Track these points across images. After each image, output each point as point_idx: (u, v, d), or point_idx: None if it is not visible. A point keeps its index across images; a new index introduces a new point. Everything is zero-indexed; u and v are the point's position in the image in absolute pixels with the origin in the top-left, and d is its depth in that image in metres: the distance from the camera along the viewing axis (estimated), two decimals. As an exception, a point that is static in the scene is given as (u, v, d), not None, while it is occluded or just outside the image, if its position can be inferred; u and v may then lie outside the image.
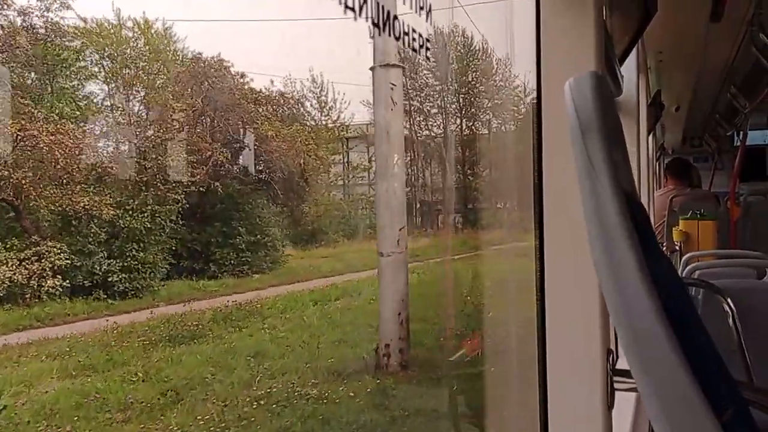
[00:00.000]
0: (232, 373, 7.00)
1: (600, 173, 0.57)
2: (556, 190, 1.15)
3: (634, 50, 2.66)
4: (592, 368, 1.13)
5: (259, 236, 11.15)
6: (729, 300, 2.39)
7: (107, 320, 8.28)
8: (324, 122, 13.98)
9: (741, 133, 5.75)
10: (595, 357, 1.13)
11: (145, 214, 9.51)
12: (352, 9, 0.62)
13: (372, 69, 5.36)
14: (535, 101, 1.20)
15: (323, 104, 14.04)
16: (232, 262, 10.76)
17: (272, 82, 12.28)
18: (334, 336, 8.11)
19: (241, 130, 11.33)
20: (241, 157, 11.56)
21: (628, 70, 2.79)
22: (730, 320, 2.35)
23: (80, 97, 10.16)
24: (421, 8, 0.77)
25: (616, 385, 1.17)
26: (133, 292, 9.17)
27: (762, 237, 4.59)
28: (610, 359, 1.18)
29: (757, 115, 5.52)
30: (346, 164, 14.86)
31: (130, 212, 9.37)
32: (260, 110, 11.58)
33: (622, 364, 1.07)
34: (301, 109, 13.51)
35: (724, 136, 7.54)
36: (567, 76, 0.63)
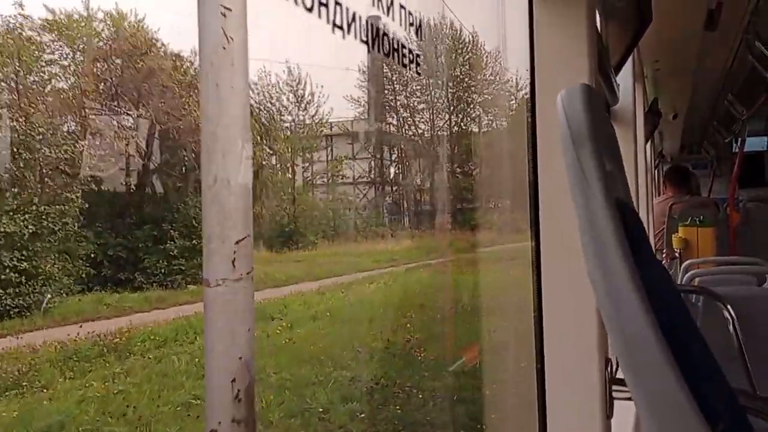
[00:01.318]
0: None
1: (592, 183, 0.58)
2: (552, 198, 1.15)
3: (630, 59, 2.68)
4: (591, 377, 1.13)
5: (195, 241, 9.50)
6: (729, 307, 2.39)
7: None
8: (301, 117, 13.15)
9: (739, 139, 5.77)
10: (593, 366, 1.13)
11: (28, 216, 7.81)
12: (341, 27, 0.63)
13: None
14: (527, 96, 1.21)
15: (300, 98, 13.10)
16: (162, 271, 9.13)
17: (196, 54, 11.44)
18: (193, 391, 5.87)
19: (171, 118, 9.75)
20: (172, 150, 10.12)
21: (625, 78, 2.81)
22: (731, 327, 2.34)
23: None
24: (411, 24, 0.78)
25: (615, 394, 1.17)
26: (16, 311, 7.34)
27: (761, 243, 4.58)
28: (609, 368, 1.18)
29: (754, 121, 5.54)
30: (327, 162, 14.02)
31: (10, 213, 7.70)
32: (195, 97, 9.78)
33: (621, 373, 1.07)
34: (256, 98, 12.03)
35: (722, 143, 7.57)
36: (561, 87, 0.64)
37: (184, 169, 10.16)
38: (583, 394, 1.13)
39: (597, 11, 1.80)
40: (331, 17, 0.61)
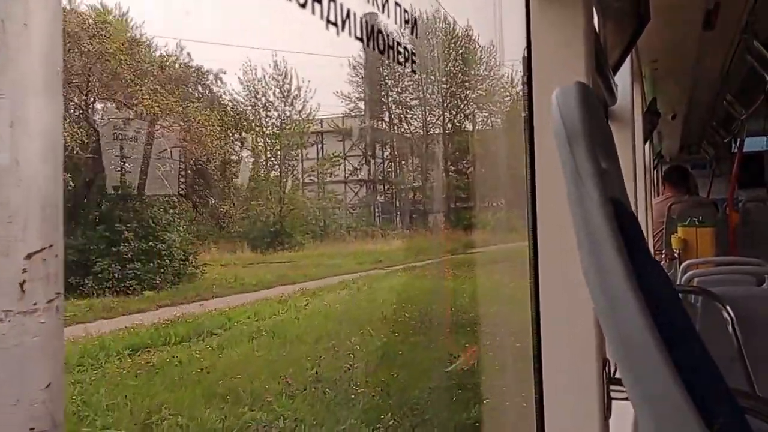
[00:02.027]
0: None
1: (587, 181, 0.58)
2: (549, 197, 1.15)
3: (628, 59, 2.67)
4: (589, 377, 1.13)
5: (152, 242, 8.66)
6: (728, 307, 2.39)
7: None
8: (288, 113, 12.51)
9: (738, 139, 5.77)
10: (591, 366, 1.13)
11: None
12: (335, 24, 0.62)
13: None
14: (523, 95, 1.20)
15: (286, 93, 12.33)
16: (115, 275, 8.20)
17: (183, 49, 10.04)
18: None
19: (124, 107, 8.78)
20: (121, 143, 9.03)
21: (623, 78, 2.80)
22: (730, 327, 2.34)
23: None
24: (406, 22, 0.77)
25: (613, 395, 1.17)
26: None
27: (761, 243, 4.58)
28: (607, 368, 1.18)
29: (753, 121, 5.54)
30: (317, 159, 13.36)
31: None
32: (150, 85, 8.79)
33: (619, 373, 1.07)
34: (223, 87, 10.94)
35: (721, 143, 7.57)
36: (558, 86, 0.63)
37: (141, 163, 9.03)
38: (581, 394, 1.13)
39: (595, 10, 1.80)
40: (325, 13, 0.61)
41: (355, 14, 0.65)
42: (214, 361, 6.13)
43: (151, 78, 8.85)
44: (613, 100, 2.54)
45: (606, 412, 1.14)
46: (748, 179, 6.47)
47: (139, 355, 6.14)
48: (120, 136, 8.80)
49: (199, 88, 10.37)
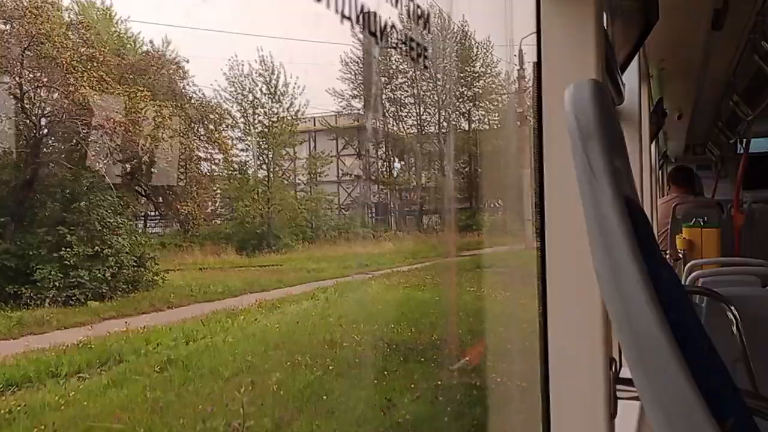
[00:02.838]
0: None
1: (601, 180, 0.57)
2: (558, 197, 1.15)
3: (636, 58, 2.67)
4: (595, 376, 1.13)
5: (98, 247, 7.71)
6: (733, 308, 2.38)
7: None
8: (276, 111, 11.94)
9: (744, 140, 5.75)
10: (597, 365, 1.13)
11: None
12: (349, 18, 0.62)
13: None
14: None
15: (274, 90, 11.83)
16: (57, 284, 7.28)
17: (169, 43, 9.34)
18: None
19: (66, 97, 7.78)
20: (69, 135, 8.10)
21: (630, 78, 2.80)
22: (734, 328, 2.33)
23: None
24: (419, 17, 0.77)
25: (618, 394, 1.17)
26: None
27: (765, 245, 4.56)
28: (613, 368, 1.18)
29: (760, 122, 5.52)
30: (309, 157, 12.87)
31: None
32: (95, 72, 7.81)
33: (624, 372, 1.07)
34: (186, 80, 9.91)
35: (727, 144, 7.53)
36: (567, 84, 0.63)
37: (87, 159, 8.12)
38: (587, 393, 1.13)
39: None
40: (340, 8, 0.61)
41: (368, 8, 0.65)
42: (81, 409, 4.76)
43: (96, 64, 7.93)
44: (620, 99, 2.53)
45: (612, 411, 1.14)
46: (753, 181, 6.44)
47: (4, 396, 4.90)
48: (60, 129, 7.94)
49: (163, 80, 9.48)
